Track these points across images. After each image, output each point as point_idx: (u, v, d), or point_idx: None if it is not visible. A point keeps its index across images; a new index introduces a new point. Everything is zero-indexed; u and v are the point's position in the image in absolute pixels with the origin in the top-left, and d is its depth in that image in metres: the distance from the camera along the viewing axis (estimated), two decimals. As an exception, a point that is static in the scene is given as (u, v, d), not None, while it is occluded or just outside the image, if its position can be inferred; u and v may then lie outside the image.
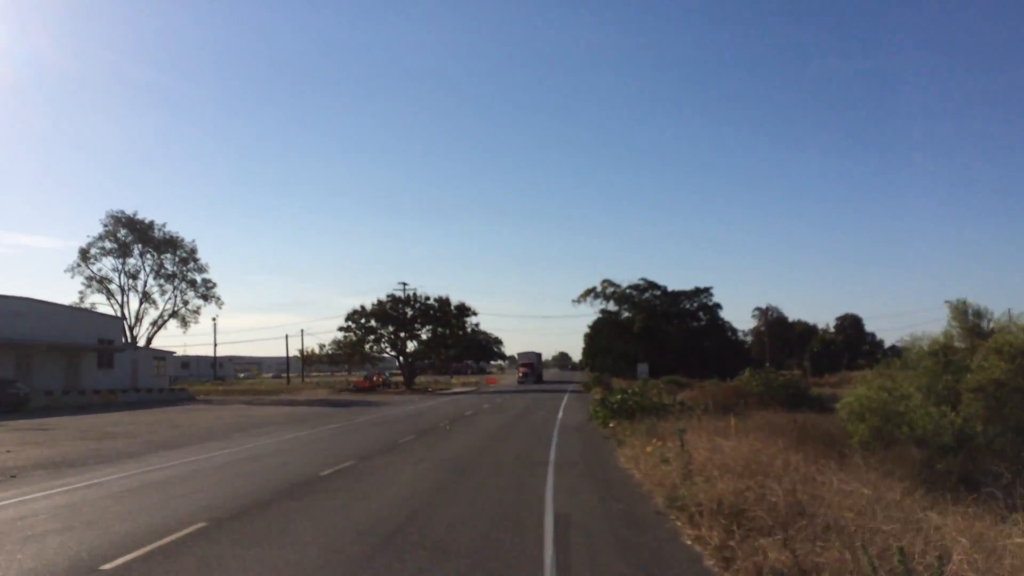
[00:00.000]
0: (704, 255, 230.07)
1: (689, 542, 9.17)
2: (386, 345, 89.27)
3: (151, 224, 79.33)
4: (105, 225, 78.00)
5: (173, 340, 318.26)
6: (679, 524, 10.04)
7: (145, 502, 12.09)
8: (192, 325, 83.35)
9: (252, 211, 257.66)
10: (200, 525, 10.14)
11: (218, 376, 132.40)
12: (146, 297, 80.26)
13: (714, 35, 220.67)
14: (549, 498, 12.45)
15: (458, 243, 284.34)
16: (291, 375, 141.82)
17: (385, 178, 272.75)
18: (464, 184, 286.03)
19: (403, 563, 8.20)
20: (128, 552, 8.77)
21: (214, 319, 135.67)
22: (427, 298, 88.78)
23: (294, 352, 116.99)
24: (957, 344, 19.27)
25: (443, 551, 8.74)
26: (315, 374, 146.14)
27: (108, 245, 77.97)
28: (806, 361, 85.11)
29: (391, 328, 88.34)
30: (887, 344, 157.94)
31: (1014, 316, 18.51)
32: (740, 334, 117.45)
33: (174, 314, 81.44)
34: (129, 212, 78.74)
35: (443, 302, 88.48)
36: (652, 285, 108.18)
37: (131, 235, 78.38)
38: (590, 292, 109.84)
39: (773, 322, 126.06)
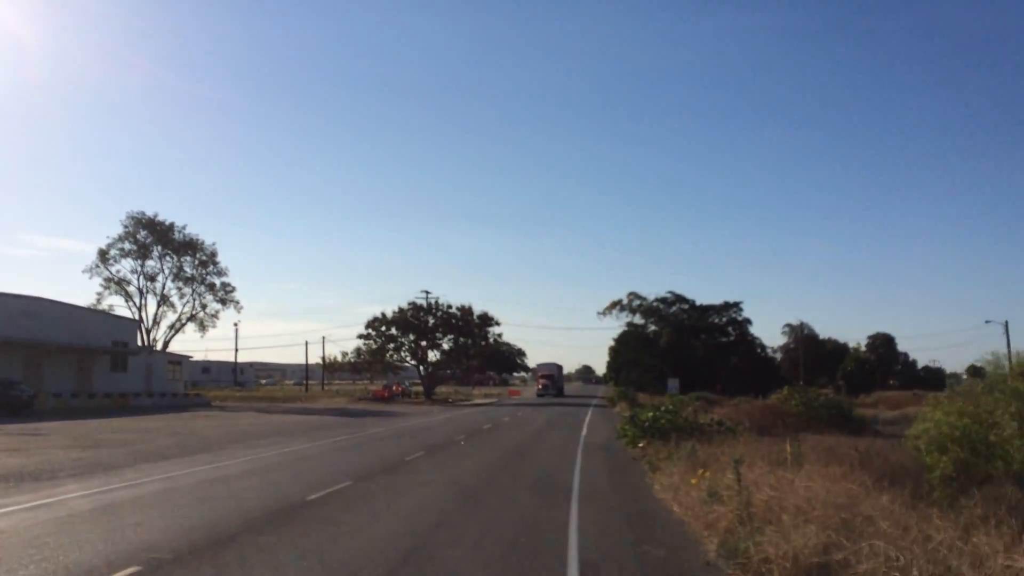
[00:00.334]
0: (731, 269, 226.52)
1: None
2: (406, 354, 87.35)
3: (171, 226, 78.25)
4: (125, 226, 77.06)
5: (194, 345, 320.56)
6: (740, 584, 7.80)
7: (83, 534, 10.00)
8: (211, 329, 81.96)
9: (278, 218, 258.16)
10: (130, 571, 8.02)
11: (238, 382, 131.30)
12: (164, 300, 79.06)
13: (752, 46, 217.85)
14: (573, 539, 10.21)
15: (482, 253, 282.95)
16: (312, 383, 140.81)
17: (410, 186, 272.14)
18: (490, 194, 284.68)
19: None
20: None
21: (236, 324, 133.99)
22: (449, 307, 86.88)
23: (316, 360, 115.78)
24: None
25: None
26: (337, 382, 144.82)
27: (127, 246, 76.95)
28: (840, 380, 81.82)
29: (412, 337, 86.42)
30: (920, 364, 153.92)
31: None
32: (769, 351, 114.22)
33: (192, 318, 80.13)
34: (149, 213, 77.68)
35: (465, 311, 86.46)
36: (680, 298, 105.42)
37: (151, 237, 77.26)
38: (616, 304, 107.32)
39: (805, 339, 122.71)
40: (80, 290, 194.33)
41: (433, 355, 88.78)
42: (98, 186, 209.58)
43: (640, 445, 23.70)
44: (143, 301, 77.98)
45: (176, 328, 79.85)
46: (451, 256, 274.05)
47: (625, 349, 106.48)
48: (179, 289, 79.35)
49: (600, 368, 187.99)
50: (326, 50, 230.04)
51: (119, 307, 77.22)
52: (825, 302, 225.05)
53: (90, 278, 77.56)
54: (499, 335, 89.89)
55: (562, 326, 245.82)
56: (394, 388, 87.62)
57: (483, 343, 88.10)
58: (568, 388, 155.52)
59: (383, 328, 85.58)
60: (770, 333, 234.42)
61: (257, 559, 8.70)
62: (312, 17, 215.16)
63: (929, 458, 13.82)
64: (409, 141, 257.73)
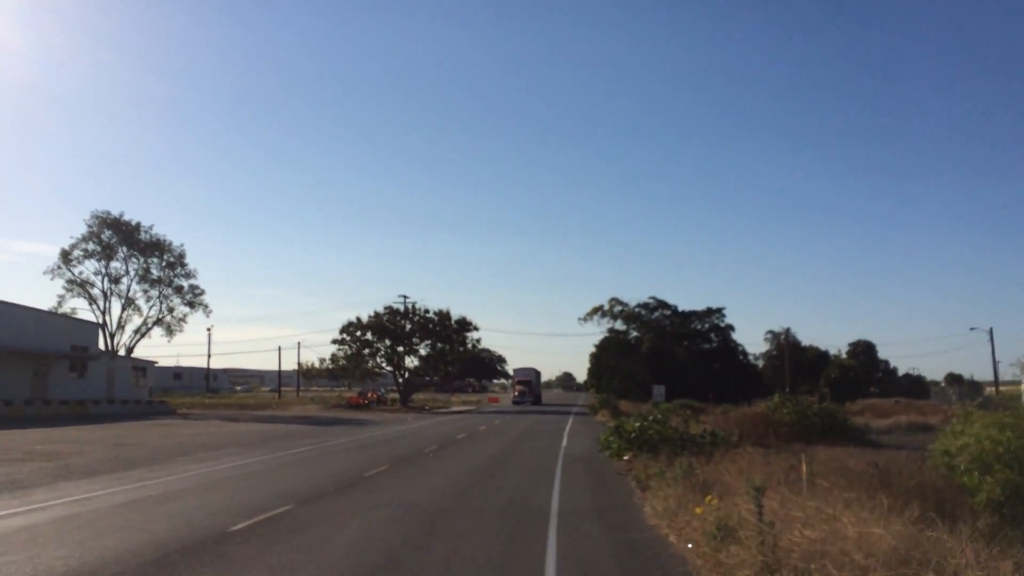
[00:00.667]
0: (712, 276, 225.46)
1: None
2: (382, 360, 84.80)
3: (137, 226, 74.98)
4: (89, 226, 73.72)
5: (166, 350, 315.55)
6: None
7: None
8: (183, 335, 79.34)
9: (258, 224, 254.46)
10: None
11: (211, 388, 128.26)
12: (129, 303, 75.87)
13: (728, 52, 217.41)
14: (551, 586, 8.06)
15: (462, 259, 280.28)
16: (289, 389, 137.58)
17: (390, 191, 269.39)
18: (469, 199, 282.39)
19: None
20: None
21: (208, 329, 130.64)
22: (426, 311, 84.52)
23: (294, 366, 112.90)
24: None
25: None
26: (315, 389, 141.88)
27: (91, 247, 73.68)
28: (824, 387, 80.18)
29: (388, 342, 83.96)
30: (900, 372, 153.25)
31: None
32: (751, 358, 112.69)
33: (159, 321, 76.90)
34: (115, 213, 74.51)
35: (443, 316, 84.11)
36: (662, 304, 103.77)
37: (116, 237, 74.11)
38: (597, 310, 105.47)
39: (784, 346, 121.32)
40: (46, 294, 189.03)
41: (411, 361, 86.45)
42: (73, 190, 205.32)
43: (625, 458, 21.61)
44: (107, 304, 74.80)
45: (142, 332, 76.58)
46: (432, 262, 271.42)
47: (606, 355, 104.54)
48: (145, 292, 76.22)
49: (581, 375, 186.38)
50: (307, 55, 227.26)
51: (82, 311, 74.06)
52: (805, 309, 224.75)
53: (51, 280, 74.16)
54: (478, 340, 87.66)
55: (543, 332, 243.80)
56: (369, 395, 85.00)
57: (461, 349, 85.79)
58: (548, 395, 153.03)
59: (358, 333, 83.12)
60: (749, 340, 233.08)
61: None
62: (293, 21, 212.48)
63: (968, 479, 11.81)
64: (389, 146, 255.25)
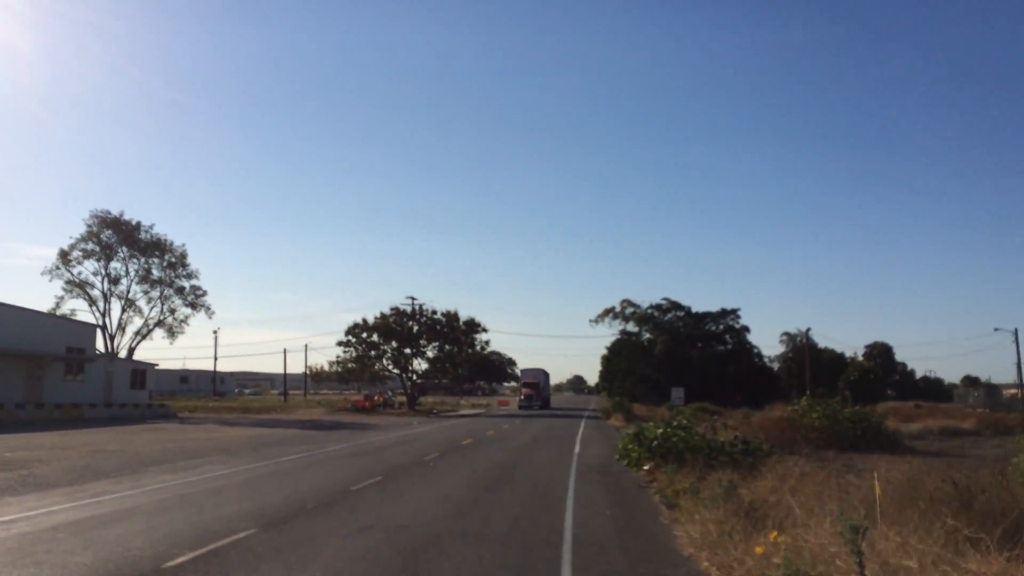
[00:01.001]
0: (725, 277, 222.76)
1: None
2: (388, 362, 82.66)
3: (138, 225, 73.39)
4: (88, 225, 72.14)
5: (173, 353, 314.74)
6: None
7: None
8: (185, 336, 77.40)
9: (266, 227, 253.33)
10: None
11: (218, 392, 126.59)
12: (130, 304, 74.19)
13: (744, 52, 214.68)
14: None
15: (472, 261, 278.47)
16: (296, 392, 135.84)
17: (398, 194, 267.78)
18: (479, 201, 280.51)
19: None
20: None
21: (215, 332, 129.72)
22: (434, 312, 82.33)
23: (302, 369, 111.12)
24: None
25: None
26: (325, 392, 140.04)
27: (90, 247, 72.06)
28: (845, 390, 77.52)
29: (395, 344, 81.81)
30: (918, 374, 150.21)
31: None
32: (766, 360, 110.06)
33: (159, 323, 75.25)
34: (115, 212, 72.89)
35: (451, 316, 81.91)
36: (675, 305, 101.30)
37: (116, 237, 72.41)
38: (609, 312, 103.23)
39: (801, 348, 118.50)
40: (47, 296, 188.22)
41: (418, 363, 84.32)
42: (84, 194, 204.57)
43: (645, 468, 19.39)
44: (107, 306, 73.15)
45: (143, 334, 75.01)
46: (441, 264, 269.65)
47: (618, 358, 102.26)
48: (146, 293, 74.53)
49: (592, 378, 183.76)
50: (316, 58, 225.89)
51: (82, 312, 72.42)
52: (820, 311, 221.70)
53: (50, 281, 72.68)
54: (486, 342, 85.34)
55: (554, 334, 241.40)
56: (376, 398, 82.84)
57: (470, 350, 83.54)
58: (559, 399, 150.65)
59: (364, 335, 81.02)
60: (763, 342, 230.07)
61: None
62: (301, 25, 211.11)
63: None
64: (399, 148, 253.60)
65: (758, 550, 7.36)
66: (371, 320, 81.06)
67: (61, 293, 72.20)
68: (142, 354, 74.31)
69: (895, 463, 22.23)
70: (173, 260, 74.89)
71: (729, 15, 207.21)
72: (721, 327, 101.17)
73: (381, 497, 15.15)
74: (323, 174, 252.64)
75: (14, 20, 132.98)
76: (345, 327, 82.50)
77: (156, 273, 74.67)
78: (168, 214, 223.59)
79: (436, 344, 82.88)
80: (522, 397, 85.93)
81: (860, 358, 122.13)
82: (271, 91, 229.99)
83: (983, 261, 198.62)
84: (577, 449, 29.31)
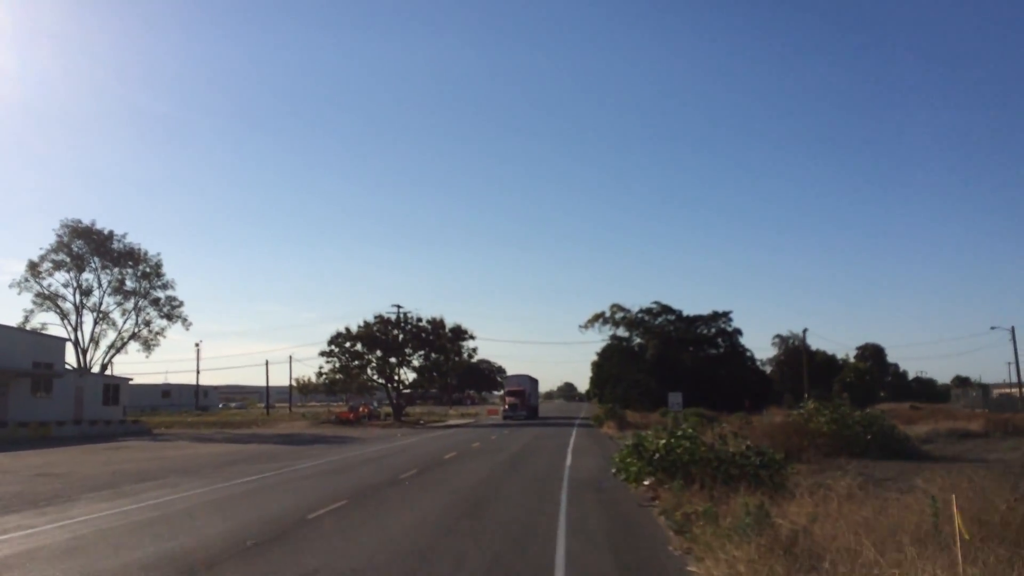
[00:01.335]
0: (714, 280, 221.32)
1: None
2: (373, 372, 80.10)
3: (110, 235, 70.63)
4: (59, 235, 69.35)
5: (154, 367, 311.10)
6: None
7: None
8: (167, 350, 75.43)
9: (252, 238, 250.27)
10: None
11: (201, 406, 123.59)
12: (104, 317, 71.40)
13: (730, 55, 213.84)
14: None
15: (459, 269, 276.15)
16: (283, 405, 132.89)
17: (383, 203, 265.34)
18: (464, 208, 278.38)
19: None
20: None
21: (197, 345, 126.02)
22: (419, 320, 79.85)
23: (294, 380, 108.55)
24: None
25: None
26: (313, 404, 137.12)
27: (61, 258, 69.24)
28: (842, 392, 75.59)
29: (379, 353, 79.33)
30: (910, 375, 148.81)
31: None
32: (759, 363, 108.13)
33: (134, 336, 72.46)
34: (87, 221, 70.17)
35: (436, 324, 79.53)
36: (666, 309, 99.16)
37: (87, 247, 69.65)
38: (599, 317, 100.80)
39: (794, 351, 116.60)
40: (18, 310, 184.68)
41: (404, 373, 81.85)
42: (69, 208, 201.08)
43: (645, 483, 17.19)
44: (79, 319, 70.34)
45: (117, 348, 72.22)
46: (428, 272, 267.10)
47: (609, 363, 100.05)
48: (120, 304, 71.76)
49: (583, 385, 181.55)
50: (299, 68, 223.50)
51: (53, 326, 69.62)
52: (809, 313, 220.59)
53: (19, 294, 69.82)
54: (473, 350, 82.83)
55: (543, 340, 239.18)
56: (360, 410, 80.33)
57: (456, 358, 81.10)
58: (549, 407, 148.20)
59: (347, 344, 78.52)
60: (754, 345, 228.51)
61: None
62: (285, 35, 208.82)
63: None
64: (385, 158, 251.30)
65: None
66: (355, 329, 78.62)
67: (31, 307, 69.39)
68: (122, 368, 72.08)
69: (917, 471, 20.20)
70: (147, 270, 72.24)
71: (710, 20, 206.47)
72: (713, 330, 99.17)
73: (338, 528, 12.87)
74: (308, 184, 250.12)
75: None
76: (328, 338, 79.84)
77: (130, 284, 72.03)
78: (150, 227, 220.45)
79: (422, 353, 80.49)
80: (506, 407, 79.87)
81: (852, 360, 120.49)
82: (252, 102, 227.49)
83: (972, 261, 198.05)
84: (568, 461, 27.10)
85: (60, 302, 69.70)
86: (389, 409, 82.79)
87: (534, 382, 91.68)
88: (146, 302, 72.20)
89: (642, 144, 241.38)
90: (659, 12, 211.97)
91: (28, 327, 66.54)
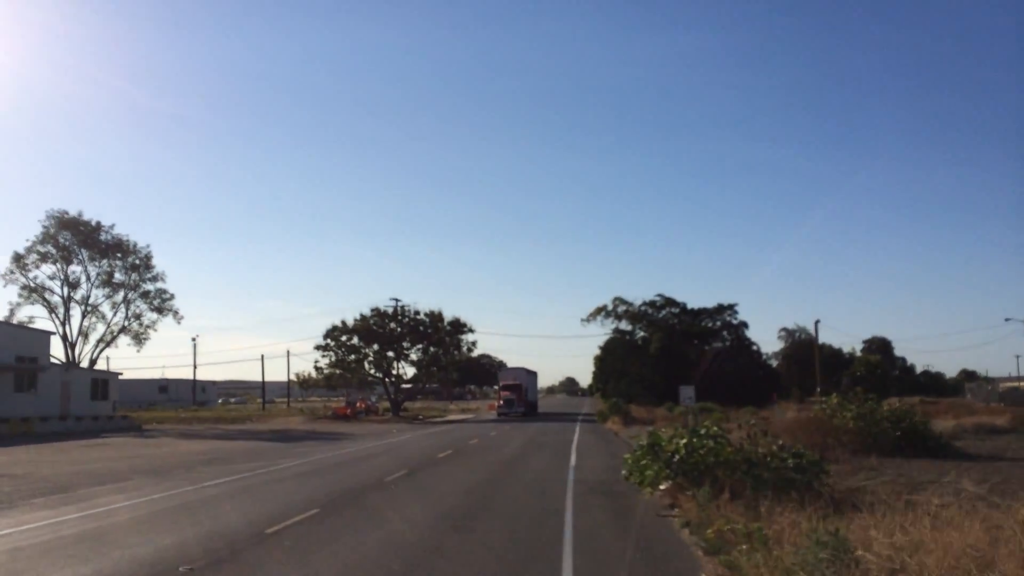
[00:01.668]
0: (717, 273, 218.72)
1: None
2: (370, 366, 77.97)
3: (98, 226, 68.47)
4: (45, 227, 67.22)
5: (153, 361, 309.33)
6: None
7: None
8: (146, 342, 72.00)
9: (253, 232, 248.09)
10: None
11: (199, 401, 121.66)
12: (93, 310, 69.34)
13: (728, 41, 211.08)
14: None
15: (459, 262, 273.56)
16: (283, 400, 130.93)
17: (382, 195, 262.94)
18: (464, 201, 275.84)
19: None
20: None
21: (194, 339, 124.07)
22: (416, 313, 77.61)
23: (292, 376, 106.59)
24: None
25: None
26: (313, 399, 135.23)
27: (47, 249, 67.14)
28: (856, 387, 73.31)
29: (376, 347, 77.25)
30: (918, 369, 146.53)
31: None
32: (764, 357, 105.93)
33: (124, 330, 70.36)
34: (73, 212, 68.04)
35: (434, 317, 77.32)
36: (670, 301, 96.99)
37: (74, 238, 67.51)
38: (600, 310, 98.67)
39: (800, 344, 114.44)
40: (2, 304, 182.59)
41: (403, 368, 79.74)
42: (60, 204, 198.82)
43: (662, 488, 15.02)
44: (67, 312, 68.26)
45: (107, 342, 70.17)
46: (429, 266, 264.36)
47: (612, 358, 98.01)
48: (108, 297, 69.69)
49: (585, 380, 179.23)
50: (294, 60, 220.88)
51: (41, 319, 67.62)
52: (813, 306, 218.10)
53: (3, 287, 67.69)
54: (473, 343, 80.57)
55: (545, 334, 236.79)
56: (358, 405, 78.28)
57: (455, 352, 78.94)
58: (551, 402, 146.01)
59: (343, 338, 76.39)
60: (758, 338, 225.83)
61: None
62: (281, 28, 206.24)
63: None
64: (383, 150, 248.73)
65: None
66: (351, 322, 76.52)
67: (17, 300, 67.35)
68: (118, 364, 70.52)
69: (963, 471, 18.12)
70: (137, 262, 70.14)
71: (717, 6, 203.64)
72: (718, 323, 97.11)
73: (299, 547, 10.69)
74: (306, 179, 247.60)
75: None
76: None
77: (119, 276, 69.94)
78: (148, 222, 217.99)
79: (420, 346, 78.40)
80: (500, 402, 72.81)
81: (858, 353, 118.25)
82: (248, 97, 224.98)
83: (976, 254, 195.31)
84: (573, 460, 24.91)
85: (47, 295, 67.79)
86: (388, 404, 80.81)
87: (532, 375, 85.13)
88: (135, 295, 70.27)
89: (644, 133, 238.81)
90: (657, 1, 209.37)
91: (15, 321, 64.61)
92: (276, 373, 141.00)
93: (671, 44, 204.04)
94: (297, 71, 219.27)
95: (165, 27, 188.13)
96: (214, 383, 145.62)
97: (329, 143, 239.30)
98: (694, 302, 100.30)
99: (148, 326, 71.28)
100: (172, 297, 72.22)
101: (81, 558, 10.10)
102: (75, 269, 68.39)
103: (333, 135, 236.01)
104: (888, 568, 6.25)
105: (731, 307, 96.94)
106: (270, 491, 17.49)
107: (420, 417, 75.98)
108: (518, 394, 71.79)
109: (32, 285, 67.00)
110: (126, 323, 70.57)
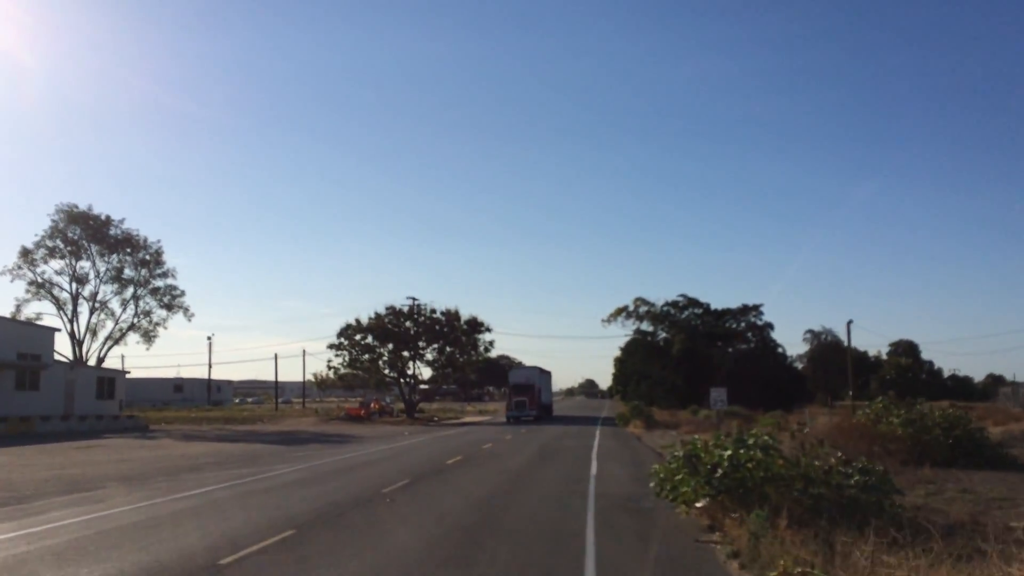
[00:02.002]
0: (741, 274, 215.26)
1: None
2: (384, 366, 75.84)
3: (107, 220, 66.87)
4: (54, 221, 65.72)
5: (168, 360, 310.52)
6: None
7: None
8: (156, 340, 70.30)
9: (272, 231, 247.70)
10: None
11: (214, 400, 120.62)
12: (101, 306, 67.78)
13: (759, 43, 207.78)
14: None
15: (479, 262, 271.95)
16: (297, 400, 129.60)
17: (404, 195, 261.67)
18: (484, 201, 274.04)
19: None
20: None
21: (209, 338, 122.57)
22: (432, 311, 75.38)
23: (310, 376, 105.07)
24: None
25: None
26: (332, 399, 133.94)
27: (56, 244, 65.62)
28: (887, 391, 70.45)
29: (391, 346, 75.16)
30: (945, 373, 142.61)
31: None
32: (789, 359, 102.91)
33: (133, 327, 68.78)
34: (83, 206, 66.56)
35: (451, 315, 75.08)
36: (693, 302, 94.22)
37: (84, 233, 65.94)
38: (621, 311, 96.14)
39: (826, 346, 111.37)
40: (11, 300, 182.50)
41: (419, 368, 77.55)
42: (83, 204, 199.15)
43: (698, 506, 12.73)
44: (75, 309, 66.74)
45: (115, 339, 68.58)
46: (448, 266, 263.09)
47: (632, 359, 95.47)
48: (117, 293, 68.10)
49: (604, 382, 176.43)
50: (311, 60, 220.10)
51: (49, 316, 66.19)
52: (837, 309, 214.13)
53: (11, 282, 66.23)
54: (490, 343, 78.16)
55: (564, 335, 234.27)
56: (372, 406, 76.28)
57: (472, 352, 76.67)
58: (570, 404, 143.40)
59: (357, 336, 74.38)
60: (782, 340, 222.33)
61: None
62: (297, 33, 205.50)
63: None
64: (402, 148, 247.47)
65: None
66: (365, 321, 74.49)
67: (25, 296, 65.88)
68: (132, 362, 69.06)
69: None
70: (147, 258, 68.50)
71: (738, 6, 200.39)
72: (743, 324, 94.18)
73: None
74: (326, 178, 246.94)
75: (13, 31, 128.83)
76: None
77: (128, 272, 68.34)
78: (167, 222, 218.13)
79: (436, 346, 76.22)
80: (511, 405, 65.71)
81: (884, 356, 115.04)
82: (262, 97, 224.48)
83: (1002, 257, 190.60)
84: (594, 470, 22.60)
85: (56, 291, 66.31)
86: (403, 406, 78.78)
87: (546, 375, 78.27)
88: (145, 291, 68.63)
89: (667, 132, 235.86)
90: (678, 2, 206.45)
91: (22, 317, 63.20)
92: (296, 373, 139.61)
93: (695, 40, 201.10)
94: (316, 72, 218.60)
95: (186, 28, 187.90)
96: (230, 383, 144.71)
97: (349, 142, 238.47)
98: (717, 303, 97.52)
99: (158, 323, 69.74)
100: (183, 294, 70.63)
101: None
102: (84, 264, 66.95)
103: (353, 134, 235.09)
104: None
105: (756, 308, 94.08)
106: (249, 505, 15.35)
107: (435, 419, 73.86)
108: (530, 396, 65.41)
109: (40, 281, 65.59)
110: (135, 320, 69.08)
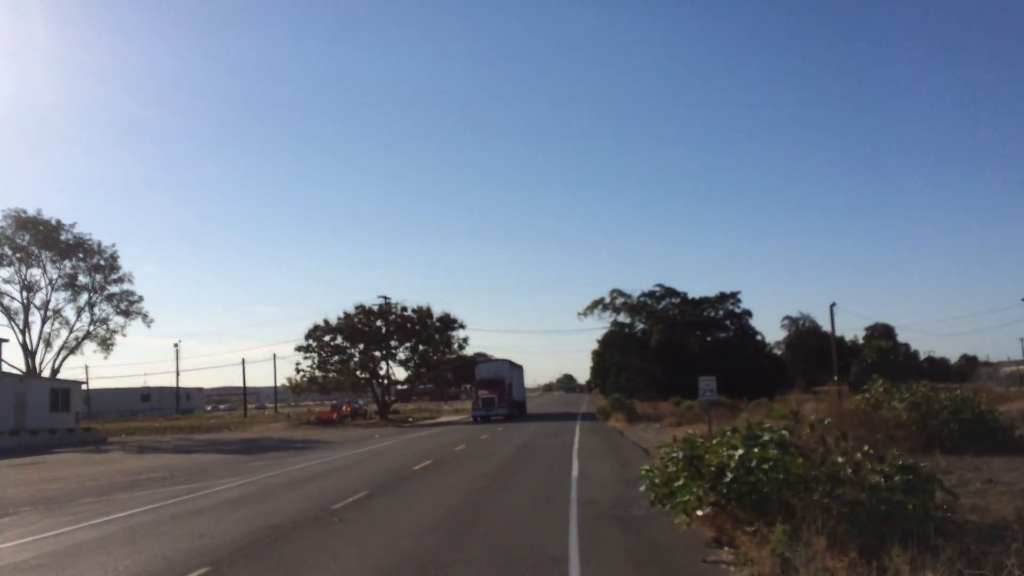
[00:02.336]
0: (716, 261, 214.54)
1: None
2: (356, 367, 73.23)
3: (58, 225, 63.55)
4: (1, 227, 62.27)
5: (135, 368, 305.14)
6: None
7: None
8: (115, 348, 67.17)
9: (240, 238, 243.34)
10: None
11: (183, 409, 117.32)
12: (55, 315, 64.53)
13: (739, 39, 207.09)
14: None
15: (451, 258, 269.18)
16: (269, 405, 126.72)
17: (372, 193, 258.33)
18: (455, 193, 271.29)
19: None
20: None
21: (176, 345, 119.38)
22: (404, 309, 72.87)
23: (283, 381, 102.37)
24: None
25: None
26: (307, 403, 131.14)
27: (4, 251, 62.22)
28: (871, 374, 69.11)
29: (362, 346, 72.62)
30: (922, 355, 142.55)
31: None
32: (768, 347, 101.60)
33: (88, 335, 65.57)
34: (31, 211, 63.17)
35: (422, 313, 72.71)
36: (670, 291, 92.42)
37: (33, 239, 62.59)
38: (597, 303, 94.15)
39: (804, 333, 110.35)
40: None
41: (391, 367, 75.05)
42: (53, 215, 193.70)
43: (699, 514, 10.59)
44: (26, 318, 63.44)
45: (71, 348, 65.35)
46: (419, 263, 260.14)
47: (610, 352, 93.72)
48: (71, 301, 64.86)
49: (583, 376, 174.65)
50: (284, 62, 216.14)
51: (0, 326, 62.85)
52: (813, 294, 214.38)
53: (-43, 292, 62.73)
54: (464, 340, 75.95)
55: (540, 329, 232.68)
56: (343, 408, 73.81)
57: (445, 350, 74.35)
58: (548, 400, 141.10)
59: (326, 338, 71.76)
60: (760, 327, 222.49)
61: None
62: (261, 35, 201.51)
63: None
64: (370, 150, 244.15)
65: None
66: (334, 321, 71.86)
67: (-27, 306, 62.41)
68: (98, 372, 65.60)
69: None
70: (101, 263, 65.26)
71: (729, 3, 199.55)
72: (721, 312, 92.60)
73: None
74: (293, 181, 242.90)
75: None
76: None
77: (82, 279, 65.08)
78: (131, 230, 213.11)
79: (408, 345, 73.77)
80: (478, 403, 59.82)
81: (861, 341, 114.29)
82: (226, 102, 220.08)
83: (977, 238, 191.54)
84: (575, 472, 20.40)
85: (5, 300, 62.97)
86: (376, 407, 76.31)
87: (517, 369, 72.35)
88: (100, 297, 65.43)
89: (638, 119, 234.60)
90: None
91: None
92: (270, 378, 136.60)
93: (666, 30, 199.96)
94: (279, 76, 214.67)
95: (151, 38, 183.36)
96: (200, 390, 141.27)
97: (315, 144, 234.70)
98: (695, 291, 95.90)
99: (115, 331, 66.55)
100: (140, 299, 67.47)
101: None
102: (34, 272, 63.62)
103: (319, 136, 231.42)
104: None
105: (733, 295, 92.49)
106: (167, 533, 12.94)
107: (410, 420, 71.53)
108: (499, 392, 59.72)
109: (-14, 289, 62.12)
110: (91, 328, 65.87)
